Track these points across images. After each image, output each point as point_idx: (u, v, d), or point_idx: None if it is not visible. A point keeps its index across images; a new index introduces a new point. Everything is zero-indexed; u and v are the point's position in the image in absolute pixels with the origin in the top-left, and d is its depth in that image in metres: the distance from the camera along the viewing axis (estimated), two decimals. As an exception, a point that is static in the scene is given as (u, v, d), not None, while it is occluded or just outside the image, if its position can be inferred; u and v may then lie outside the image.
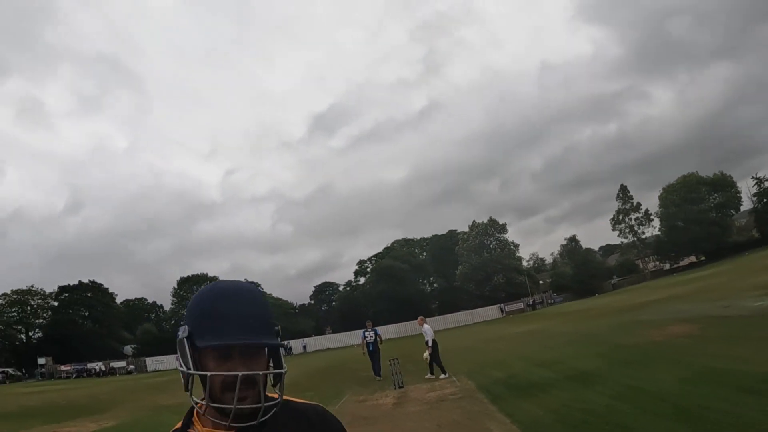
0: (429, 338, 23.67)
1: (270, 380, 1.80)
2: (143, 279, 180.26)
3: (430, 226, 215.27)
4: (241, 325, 1.68)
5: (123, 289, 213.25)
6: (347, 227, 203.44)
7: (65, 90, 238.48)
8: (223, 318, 1.69)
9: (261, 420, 1.68)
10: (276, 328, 1.84)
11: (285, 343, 2.56)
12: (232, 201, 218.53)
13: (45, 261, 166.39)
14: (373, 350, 26.40)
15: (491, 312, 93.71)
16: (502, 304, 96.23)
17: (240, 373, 1.61)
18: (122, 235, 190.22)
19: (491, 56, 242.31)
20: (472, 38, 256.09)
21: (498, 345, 33.56)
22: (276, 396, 1.77)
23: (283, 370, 1.82)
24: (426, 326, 24.46)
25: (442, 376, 22.20)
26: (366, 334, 26.89)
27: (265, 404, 1.67)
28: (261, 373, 1.67)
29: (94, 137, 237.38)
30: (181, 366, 1.72)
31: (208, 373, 1.63)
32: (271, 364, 1.83)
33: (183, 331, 1.74)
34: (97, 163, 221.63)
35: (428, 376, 22.96)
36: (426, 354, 23.49)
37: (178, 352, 1.75)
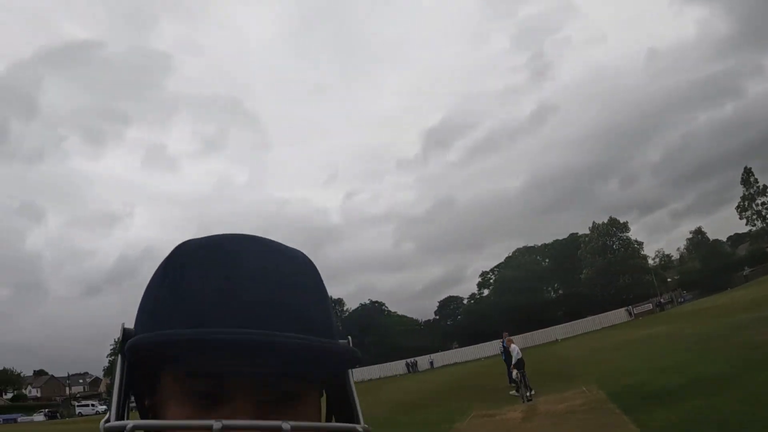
0: (516, 357, 23.88)
1: None
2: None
3: (551, 232, 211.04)
4: (247, 307, 0.77)
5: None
6: (469, 240, 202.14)
7: (186, 133, 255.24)
8: (202, 293, 0.79)
9: None
10: (336, 329, 0.94)
11: (355, 352, 0.82)
12: (353, 224, 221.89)
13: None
14: (506, 358, 27.02)
15: (618, 315, 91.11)
16: (630, 306, 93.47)
17: (216, 423, 0.66)
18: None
19: (596, 51, 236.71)
20: (575, 36, 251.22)
21: (626, 350, 32.69)
22: None
23: (354, 427, 0.81)
24: (513, 345, 25.12)
25: (528, 393, 22.07)
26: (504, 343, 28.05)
27: None
28: (285, 425, 0.68)
29: (216, 174, 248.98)
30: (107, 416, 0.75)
31: (144, 422, 0.75)
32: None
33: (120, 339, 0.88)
34: (220, 199, 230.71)
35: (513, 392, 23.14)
36: (515, 373, 23.39)
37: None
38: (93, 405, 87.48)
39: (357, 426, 0.82)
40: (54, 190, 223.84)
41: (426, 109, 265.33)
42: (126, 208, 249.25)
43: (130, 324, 0.88)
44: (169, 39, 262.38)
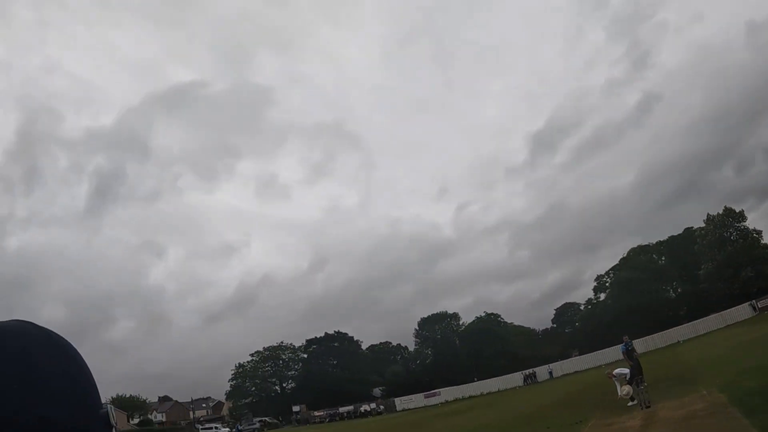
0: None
1: None
2: (388, 324, 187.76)
3: (667, 228, 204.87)
4: None
5: (369, 335, 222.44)
6: (584, 243, 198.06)
7: (294, 161, 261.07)
8: None
9: None
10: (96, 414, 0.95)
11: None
12: (466, 236, 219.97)
13: (295, 318, 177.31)
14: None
15: (742, 311, 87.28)
16: (754, 301, 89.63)
17: None
18: (365, 284, 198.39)
19: (694, 32, 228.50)
20: (671, 18, 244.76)
21: (751, 349, 31.26)
22: None
23: None
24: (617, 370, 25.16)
25: (631, 403, 22.01)
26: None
27: None
28: None
29: (327, 199, 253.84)
30: None
31: None
32: None
33: None
34: (333, 223, 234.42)
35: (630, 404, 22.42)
36: (626, 389, 22.77)
37: None
38: (216, 428, 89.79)
39: None
40: (172, 226, 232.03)
41: (529, 114, 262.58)
42: (243, 238, 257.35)
43: None
44: (270, 71, 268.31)
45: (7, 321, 0.97)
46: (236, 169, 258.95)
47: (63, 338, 0.95)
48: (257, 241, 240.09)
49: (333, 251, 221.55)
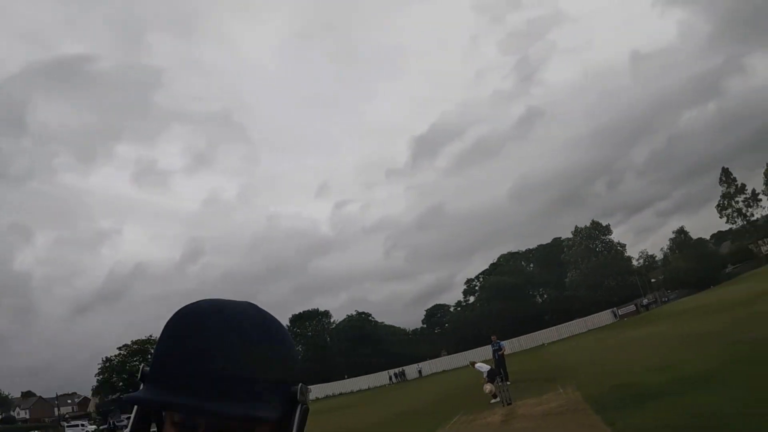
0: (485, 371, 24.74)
1: None
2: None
3: (541, 237, 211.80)
4: (192, 373, 0.99)
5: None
6: (460, 247, 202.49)
7: (177, 149, 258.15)
8: (171, 357, 1.03)
9: None
10: (290, 387, 1.10)
11: (272, 415, 1.00)
12: (344, 235, 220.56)
13: (166, 311, 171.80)
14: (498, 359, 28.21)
15: (604, 317, 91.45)
16: (616, 308, 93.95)
17: None
18: (240, 279, 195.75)
19: (583, 55, 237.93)
20: (562, 40, 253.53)
21: (609, 352, 32.85)
22: None
23: None
24: (479, 364, 25.98)
25: (493, 400, 22.60)
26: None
27: None
28: None
29: (207, 190, 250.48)
30: None
31: None
32: None
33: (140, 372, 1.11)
34: (211, 214, 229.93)
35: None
36: (488, 387, 23.56)
37: None
38: (83, 425, 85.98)
39: None
40: (43, 208, 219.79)
41: (415, 118, 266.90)
42: (116, 226, 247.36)
43: None
44: (162, 53, 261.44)
45: (240, 301, 1.17)
46: (115, 152, 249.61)
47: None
48: (131, 229, 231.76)
49: (209, 244, 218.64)
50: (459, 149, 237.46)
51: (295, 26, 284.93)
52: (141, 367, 1.09)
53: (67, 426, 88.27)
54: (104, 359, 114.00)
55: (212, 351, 1.00)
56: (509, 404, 20.42)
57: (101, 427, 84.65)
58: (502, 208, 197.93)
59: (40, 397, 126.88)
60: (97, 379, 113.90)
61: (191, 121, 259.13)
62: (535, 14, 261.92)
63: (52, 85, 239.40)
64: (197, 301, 1.14)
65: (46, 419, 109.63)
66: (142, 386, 1.06)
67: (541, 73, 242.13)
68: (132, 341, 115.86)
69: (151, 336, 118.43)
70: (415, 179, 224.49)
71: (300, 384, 1.11)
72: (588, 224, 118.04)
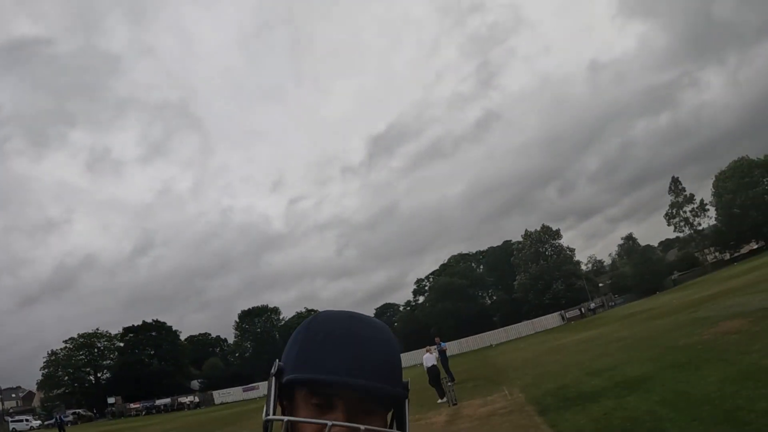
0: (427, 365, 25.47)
1: None
2: (209, 315, 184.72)
3: (492, 239, 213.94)
4: (347, 361, 1.27)
5: (189, 325, 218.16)
6: (412, 246, 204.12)
7: (131, 137, 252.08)
8: (323, 347, 1.30)
9: None
10: (403, 380, 1.39)
11: (400, 393, 1.35)
12: (297, 231, 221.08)
13: (113, 304, 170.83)
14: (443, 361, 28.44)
15: (552, 320, 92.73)
16: (563, 311, 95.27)
17: (330, 423, 1.19)
18: (190, 273, 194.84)
19: (542, 62, 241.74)
20: (522, 46, 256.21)
21: (555, 355, 33.35)
22: None
23: None
24: (427, 355, 26.54)
25: (440, 400, 23.16)
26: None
27: None
28: (362, 428, 1.19)
29: (160, 181, 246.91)
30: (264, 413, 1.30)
31: (285, 418, 1.24)
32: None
33: (274, 367, 1.35)
34: (163, 206, 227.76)
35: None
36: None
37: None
38: (27, 420, 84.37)
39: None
40: None
41: (372, 116, 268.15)
42: (65, 214, 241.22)
43: None
44: (120, 39, 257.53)
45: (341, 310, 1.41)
46: (68, 139, 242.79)
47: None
48: (81, 218, 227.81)
49: (161, 236, 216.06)
50: (415, 149, 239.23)
51: (255, 18, 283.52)
52: (276, 362, 1.33)
53: (12, 421, 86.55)
54: (50, 353, 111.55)
55: (376, 345, 1.31)
56: (455, 404, 20.77)
57: (46, 423, 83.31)
58: (455, 209, 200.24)
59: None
60: (42, 373, 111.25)
61: (147, 110, 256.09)
62: (496, 18, 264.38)
63: (7, 66, 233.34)
64: (330, 311, 1.41)
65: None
66: (283, 376, 1.31)
67: (499, 78, 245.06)
68: (78, 334, 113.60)
69: (98, 329, 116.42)
70: (370, 178, 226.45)
71: (408, 380, 1.40)
72: (538, 228, 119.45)
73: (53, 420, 58.81)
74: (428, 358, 25.82)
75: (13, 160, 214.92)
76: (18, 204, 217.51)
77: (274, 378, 1.31)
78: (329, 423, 1.19)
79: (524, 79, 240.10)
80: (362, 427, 1.19)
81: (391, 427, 1.36)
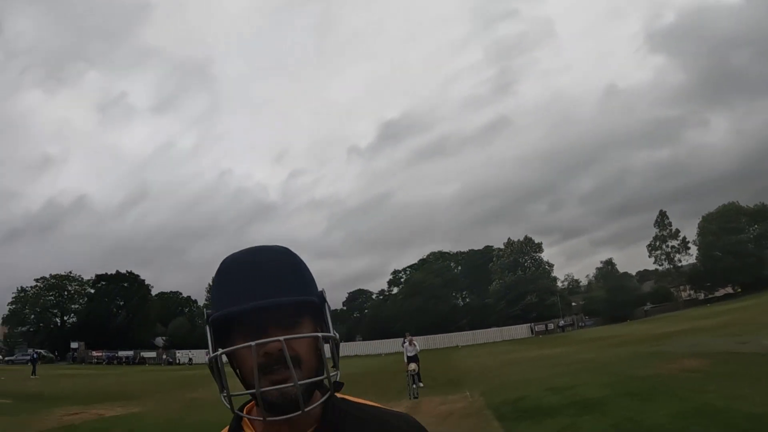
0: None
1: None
2: (188, 275, 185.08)
3: (476, 242, 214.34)
4: (247, 289, 1.41)
5: (166, 283, 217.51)
6: (397, 238, 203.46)
7: (146, 88, 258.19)
8: (228, 284, 1.46)
9: (307, 409, 1.33)
10: (315, 290, 1.54)
11: (315, 299, 1.52)
12: (290, 204, 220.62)
13: (96, 250, 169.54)
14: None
15: (521, 331, 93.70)
16: (533, 324, 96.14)
17: (252, 343, 1.31)
18: (175, 231, 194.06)
19: (559, 78, 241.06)
20: (545, 59, 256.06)
21: (519, 367, 33.83)
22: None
23: (325, 334, 1.45)
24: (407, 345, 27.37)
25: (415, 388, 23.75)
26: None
27: (300, 383, 1.32)
28: (281, 339, 1.32)
29: (165, 134, 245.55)
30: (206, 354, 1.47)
31: (220, 350, 1.40)
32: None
33: (205, 315, 1.52)
34: (163, 160, 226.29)
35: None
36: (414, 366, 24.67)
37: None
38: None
39: (320, 334, 1.42)
40: None
41: (385, 104, 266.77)
42: (63, 153, 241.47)
43: None
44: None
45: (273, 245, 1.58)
46: (85, 78, 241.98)
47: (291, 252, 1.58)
48: (79, 160, 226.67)
49: (153, 189, 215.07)
50: (421, 143, 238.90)
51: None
52: (204, 311, 1.52)
53: None
54: (19, 289, 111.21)
55: (271, 266, 1.46)
56: (415, 398, 21.31)
57: (6, 359, 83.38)
58: (445, 208, 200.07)
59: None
60: (9, 309, 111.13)
61: (164, 62, 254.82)
62: (527, 28, 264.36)
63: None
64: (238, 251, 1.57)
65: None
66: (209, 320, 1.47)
67: (516, 86, 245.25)
68: (50, 275, 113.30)
69: (71, 272, 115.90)
70: (372, 163, 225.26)
71: (323, 288, 1.56)
72: (521, 239, 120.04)
73: (31, 357, 58.51)
74: (408, 348, 26.48)
75: (27, 91, 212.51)
76: (22, 136, 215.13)
77: (207, 325, 1.46)
78: (253, 344, 1.31)
79: (538, 92, 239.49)
80: (281, 337, 1.31)
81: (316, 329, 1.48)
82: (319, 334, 1.41)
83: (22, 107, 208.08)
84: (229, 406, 1.40)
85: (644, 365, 22.46)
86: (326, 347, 1.46)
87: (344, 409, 1.53)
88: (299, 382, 1.30)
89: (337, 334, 1.46)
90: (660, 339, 34.99)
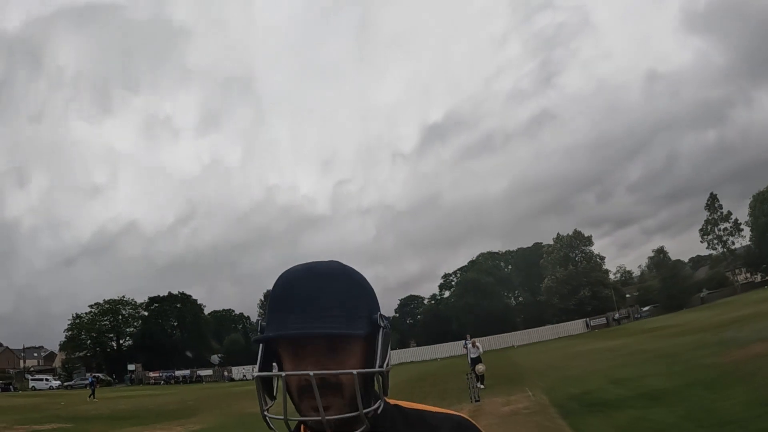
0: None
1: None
2: (236, 291, 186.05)
3: (525, 239, 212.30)
4: (295, 311, 1.38)
5: (214, 299, 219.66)
6: (447, 240, 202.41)
7: (190, 107, 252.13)
8: (277, 303, 1.43)
9: None
10: (369, 314, 1.45)
11: (360, 332, 1.41)
12: (339, 213, 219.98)
13: (148, 272, 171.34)
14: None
15: (576, 326, 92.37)
16: (588, 319, 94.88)
17: (282, 374, 1.34)
18: (226, 247, 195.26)
19: (600, 67, 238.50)
20: (585, 49, 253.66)
21: (578, 361, 33.33)
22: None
23: (364, 371, 1.37)
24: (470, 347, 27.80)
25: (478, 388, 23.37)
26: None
27: (328, 418, 1.29)
28: (311, 373, 1.28)
29: (211, 152, 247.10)
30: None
31: (256, 373, 1.39)
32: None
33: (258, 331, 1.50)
34: (210, 178, 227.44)
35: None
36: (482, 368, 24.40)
37: None
38: (47, 380, 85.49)
39: (355, 371, 1.32)
40: (46, 153, 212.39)
41: (428, 105, 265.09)
42: (113, 179, 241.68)
43: None
44: (188, 10, 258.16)
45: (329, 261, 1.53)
46: (131, 104, 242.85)
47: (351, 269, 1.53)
48: (129, 184, 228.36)
49: (203, 208, 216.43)
50: (466, 141, 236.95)
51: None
52: (258, 323, 1.51)
53: (32, 379, 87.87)
54: (74, 315, 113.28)
55: (321, 288, 1.40)
56: (477, 401, 20.94)
57: (65, 384, 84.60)
58: (494, 206, 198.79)
59: (7, 347, 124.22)
60: (66, 335, 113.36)
61: (210, 82, 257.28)
62: (565, 19, 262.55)
63: (79, 28, 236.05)
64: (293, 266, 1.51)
65: (11, 370, 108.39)
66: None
67: (558, 78, 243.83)
68: (104, 300, 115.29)
69: (123, 296, 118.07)
70: (419, 166, 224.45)
71: (379, 312, 1.47)
72: (570, 233, 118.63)
73: (89, 381, 59.58)
74: (472, 350, 26.46)
75: (74, 122, 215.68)
76: (73, 166, 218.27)
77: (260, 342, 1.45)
78: (283, 374, 1.34)
79: (581, 82, 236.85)
80: (311, 372, 1.27)
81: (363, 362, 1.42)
82: (354, 371, 1.32)
83: (70, 137, 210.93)
84: (268, 425, 1.42)
85: (711, 353, 21.82)
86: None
87: (392, 420, 1.48)
88: (327, 418, 1.28)
89: (385, 368, 1.40)
90: (723, 326, 34.05)
